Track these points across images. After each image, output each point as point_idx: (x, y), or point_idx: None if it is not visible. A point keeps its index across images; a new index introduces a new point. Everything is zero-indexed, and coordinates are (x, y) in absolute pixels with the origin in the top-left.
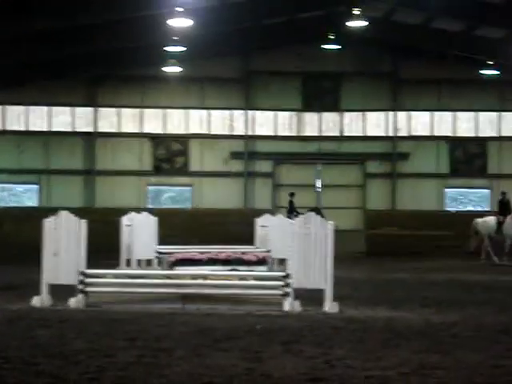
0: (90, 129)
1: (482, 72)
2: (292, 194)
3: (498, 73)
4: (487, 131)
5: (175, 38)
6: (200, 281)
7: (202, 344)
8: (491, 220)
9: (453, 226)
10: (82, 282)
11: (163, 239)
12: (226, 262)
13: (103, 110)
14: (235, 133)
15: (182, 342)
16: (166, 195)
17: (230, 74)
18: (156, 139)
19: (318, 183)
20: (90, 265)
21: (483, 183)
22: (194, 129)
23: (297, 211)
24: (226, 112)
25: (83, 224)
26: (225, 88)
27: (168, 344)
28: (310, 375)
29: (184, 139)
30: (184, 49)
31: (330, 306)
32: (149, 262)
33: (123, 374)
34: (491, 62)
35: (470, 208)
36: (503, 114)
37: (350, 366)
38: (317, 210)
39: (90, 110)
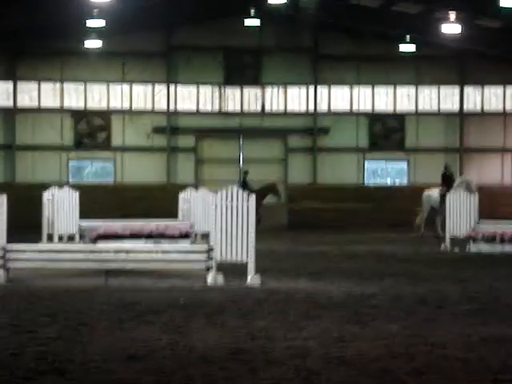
0: (9, 103)
1: (400, 47)
2: (246, 172)
3: (415, 48)
4: (405, 106)
5: (96, 12)
6: (123, 255)
7: (125, 318)
8: (435, 192)
9: (372, 199)
10: (2, 258)
11: (85, 214)
12: (149, 236)
13: (23, 84)
14: (157, 107)
15: (104, 317)
16: (87, 170)
17: (152, 49)
18: (77, 114)
19: (241, 158)
20: (10, 240)
21: (401, 157)
22: (116, 103)
23: (250, 189)
24: (148, 86)
25: (3, 199)
26: (147, 62)
27: (90, 318)
28: (233, 347)
29: (105, 114)
30: (105, 22)
31: (252, 278)
32: (71, 237)
33: (45, 349)
34: (408, 37)
35: (389, 181)
36: (420, 88)
37: (272, 337)
38: (272, 187)
39: (8, 84)
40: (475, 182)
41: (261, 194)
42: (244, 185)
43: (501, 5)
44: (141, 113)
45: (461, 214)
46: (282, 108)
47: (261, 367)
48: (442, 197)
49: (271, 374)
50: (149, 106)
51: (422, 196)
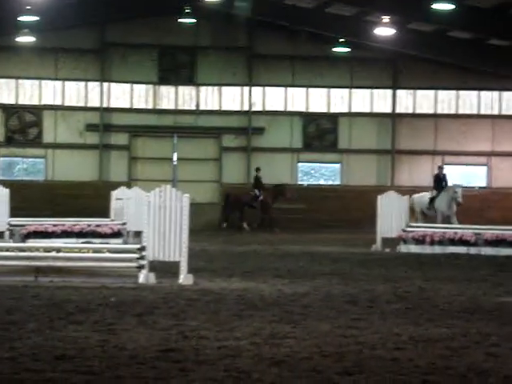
0: None
1: (334, 49)
2: (258, 169)
3: (349, 50)
4: (339, 107)
5: (28, 8)
6: (53, 253)
7: (55, 317)
8: (424, 195)
9: (305, 200)
10: None
11: (15, 212)
12: (80, 234)
13: None
14: (90, 105)
15: (34, 315)
16: (18, 167)
17: (86, 45)
18: (8, 109)
19: (175, 156)
20: None
21: (334, 158)
22: (48, 100)
23: (263, 187)
24: (81, 83)
25: None
26: (80, 59)
27: (19, 317)
28: (164, 346)
29: (37, 110)
30: (38, 18)
31: (184, 278)
32: (0, 235)
33: None
34: (342, 40)
35: (322, 182)
36: (353, 90)
37: (204, 337)
38: (283, 189)
39: None
40: (461, 190)
41: (271, 194)
42: (257, 182)
43: (433, 8)
44: (73, 109)
45: (392, 216)
46: (216, 107)
47: (192, 367)
48: (432, 200)
49: (202, 374)
50: (82, 103)
51: (412, 200)
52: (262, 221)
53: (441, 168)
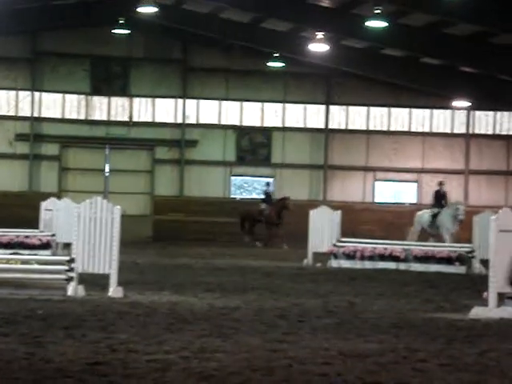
0: None
1: (268, 64)
2: (268, 184)
3: (283, 65)
4: (272, 121)
5: None
6: None
7: None
8: (424, 213)
9: (237, 213)
10: None
11: None
12: (7, 245)
13: None
14: (21, 114)
15: None
16: None
17: (17, 54)
18: None
19: (107, 168)
20: None
21: (267, 172)
22: None
23: (272, 202)
24: (12, 92)
25: None
26: (11, 68)
27: None
28: (92, 360)
29: None
30: None
31: (114, 290)
32: None
33: None
34: (277, 54)
35: (255, 196)
36: (287, 105)
37: (133, 350)
38: (285, 202)
39: None
40: (463, 208)
41: (275, 208)
42: (267, 197)
43: (366, 25)
44: (3, 118)
45: (323, 230)
46: (149, 119)
47: (120, 381)
48: (433, 217)
49: None
50: (12, 112)
51: (415, 217)
52: (269, 236)
53: (442, 184)
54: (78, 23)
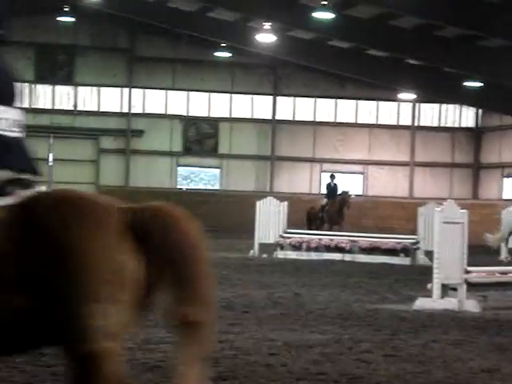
0: None
1: (216, 54)
2: (333, 176)
3: (230, 55)
4: (219, 112)
5: None
6: None
7: None
8: None
9: (184, 204)
10: None
11: None
12: None
13: None
14: None
15: None
16: None
17: None
18: None
19: (50, 157)
20: None
21: (214, 162)
22: None
23: (334, 196)
24: None
25: None
26: None
27: None
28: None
29: None
30: None
31: None
32: None
33: None
34: (224, 45)
35: (201, 186)
36: (234, 95)
37: None
38: (344, 196)
39: None
40: None
41: (336, 204)
42: (331, 191)
43: (314, 17)
44: None
45: (270, 221)
46: (95, 108)
47: (62, 373)
48: None
49: None
50: None
51: (504, 213)
52: None
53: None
54: (21, 11)
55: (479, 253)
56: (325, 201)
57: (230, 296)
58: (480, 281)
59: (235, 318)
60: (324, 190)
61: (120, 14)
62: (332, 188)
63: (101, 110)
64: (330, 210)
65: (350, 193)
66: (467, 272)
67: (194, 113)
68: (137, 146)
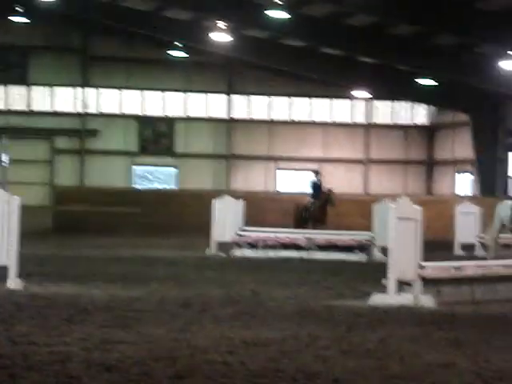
0: None
1: (170, 53)
2: (317, 173)
3: (185, 54)
4: (175, 111)
5: None
6: None
7: None
8: (506, 206)
9: (140, 203)
10: None
11: None
12: None
13: None
14: None
15: None
16: None
17: None
18: None
19: (4, 157)
20: None
21: (170, 162)
22: None
23: (320, 193)
24: None
25: None
26: None
27: None
28: None
29: None
30: None
31: (13, 282)
32: None
33: None
34: (178, 44)
35: (158, 186)
36: (189, 94)
37: (33, 343)
38: (328, 194)
39: None
40: None
41: (321, 203)
42: (317, 188)
43: (267, 16)
44: None
45: (227, 220)
46: (49, 108)
47: (21, 373)
48: None
49: (31, 380)
50: None
51: (497, 208)
52: None
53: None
54: None
55: (434, 248)
56: (309, 199)
57: (189, 295)
58: (434, 276)
59: (192, 316)
60: (309, 188)
61: (74, 14)
62: (317, 185)
63: (55, 110)
64: (314, 209)
65: (333, 190)
66: (422, 267)
67: (149, 112)
68: (92, 146)
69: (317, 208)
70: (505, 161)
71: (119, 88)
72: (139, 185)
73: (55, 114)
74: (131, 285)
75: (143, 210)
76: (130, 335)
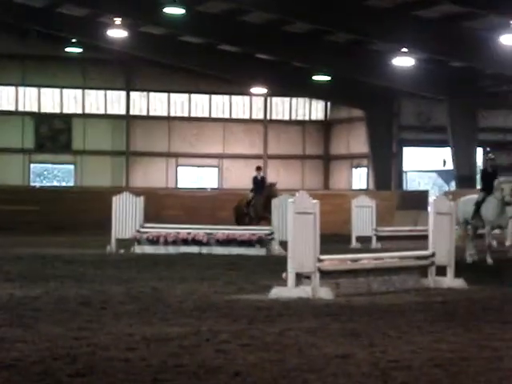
0: None
1: (66, 49)
2: (259, 168)
3: (81, 51)
4: (72, 108)
5: None
6: None
7: None
8: (469, 202)
9: (37, 202)
10: None
11: None
12: None
13: None
14: None
15: None
16: None
17: None
18: None
19: None
20: None
21: (68, 159)
22: None
23: (262, 189)
24: None
25: None
26: None
27: None
28: None
29: None
30: None
31: None
32: None
33: None
34: (74, 40)
35: (56, 183)
36: (87, 91)
37: None
38: (271, 188)
39: None
40: (509, 187)
41: (263, 198)
42: (259, 184)
43: (164, 12)
44: None
45: (127, 216)
46: None
47: None
48: (478, 205)
49: None
50: None
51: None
52: None
53: (490, 159)
54: None
55: (331, 242)
56: (251, 195)
57: (88, 293)
58: (332, 269)
59: (93, 314)
60: (251, 184)
61: None
62: (259, 181)
63: None
64: (256, 205)
65: (275, 184)
66: (320, 260)
67: (46, 109)
68: None
69: (260, 204)
70: (399, 155)
71: (15, 85)
72: (37, 183)
73: None
74: (30, 284)
75: (41, 208)
76: (29, 334)
